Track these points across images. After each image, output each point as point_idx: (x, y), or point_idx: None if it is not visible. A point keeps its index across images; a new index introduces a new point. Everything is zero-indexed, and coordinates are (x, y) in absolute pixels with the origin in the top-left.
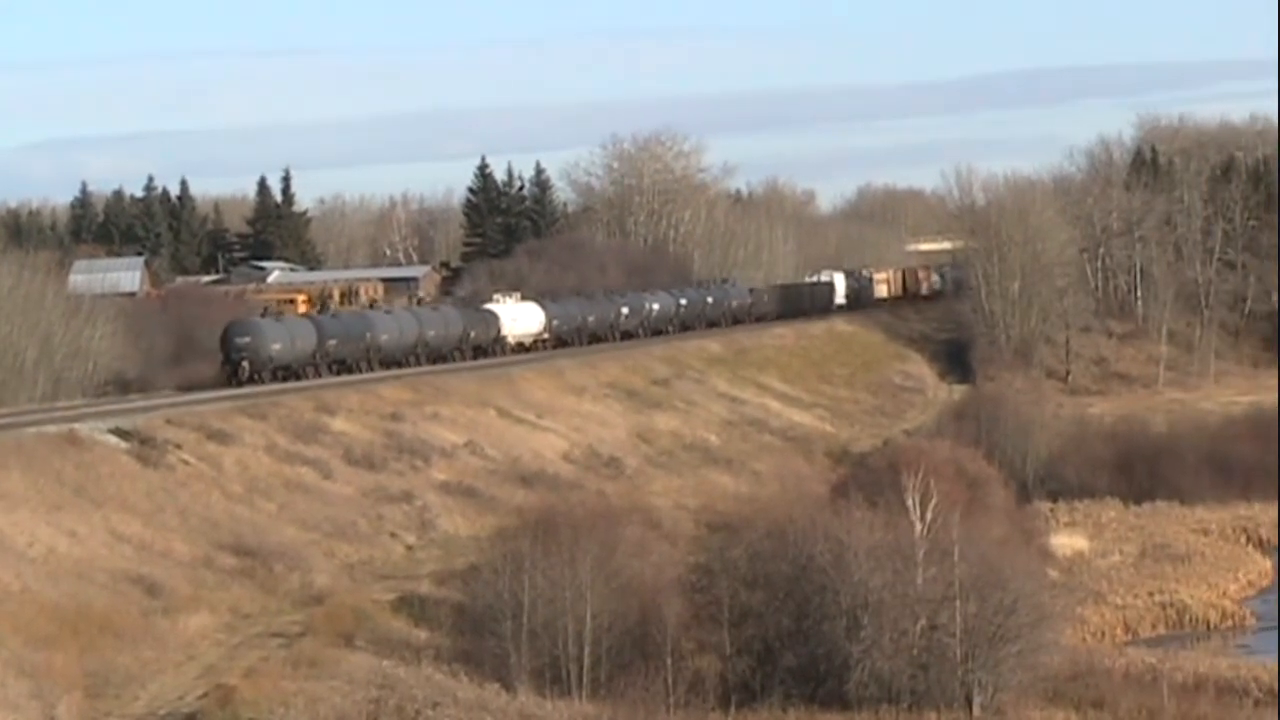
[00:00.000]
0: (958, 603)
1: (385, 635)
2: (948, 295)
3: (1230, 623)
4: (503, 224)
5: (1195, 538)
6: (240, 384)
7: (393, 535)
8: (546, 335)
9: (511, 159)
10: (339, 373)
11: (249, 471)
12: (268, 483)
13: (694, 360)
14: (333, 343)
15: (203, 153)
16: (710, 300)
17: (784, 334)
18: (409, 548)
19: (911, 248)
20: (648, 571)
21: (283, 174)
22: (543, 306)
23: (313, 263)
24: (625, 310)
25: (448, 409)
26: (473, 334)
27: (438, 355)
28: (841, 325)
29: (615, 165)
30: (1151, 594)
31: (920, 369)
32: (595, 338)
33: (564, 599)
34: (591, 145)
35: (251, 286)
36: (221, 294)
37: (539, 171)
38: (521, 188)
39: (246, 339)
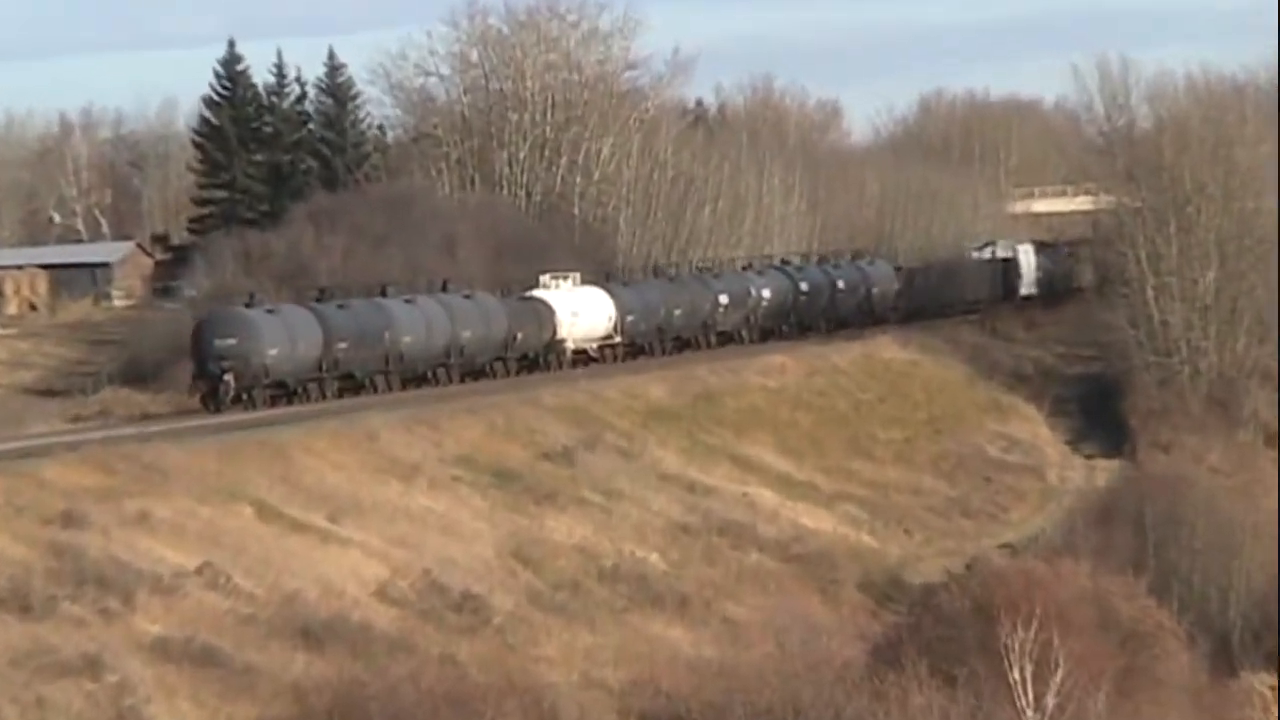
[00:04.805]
0: None
1: None
2: (1086, 297)
3: None
4: (266, 164)
5: None
6: (219, 410)
7: None
8: (617, 338)
9: (282, 45)
10: (343, 392)
11: None
12: None
13: (617, 414)
14: (342, 346)
15: None
16: (842, 285)
17: (783, 364)
18: None
19: (1020, 208)
20: None
21: None
22: (611, 294)
23: None
24: (724, 300)
25: (166, 505)
26: (519, 336)
27: (471, 367)
28: (891, 351)
29: (474, 56)
30: None
31: (1034, 430)
32: (682, 342)
33: None
34: (429, 20)
35: None
36: None
37: (333, 67)
38: (301, 97)
39: (231, 341)
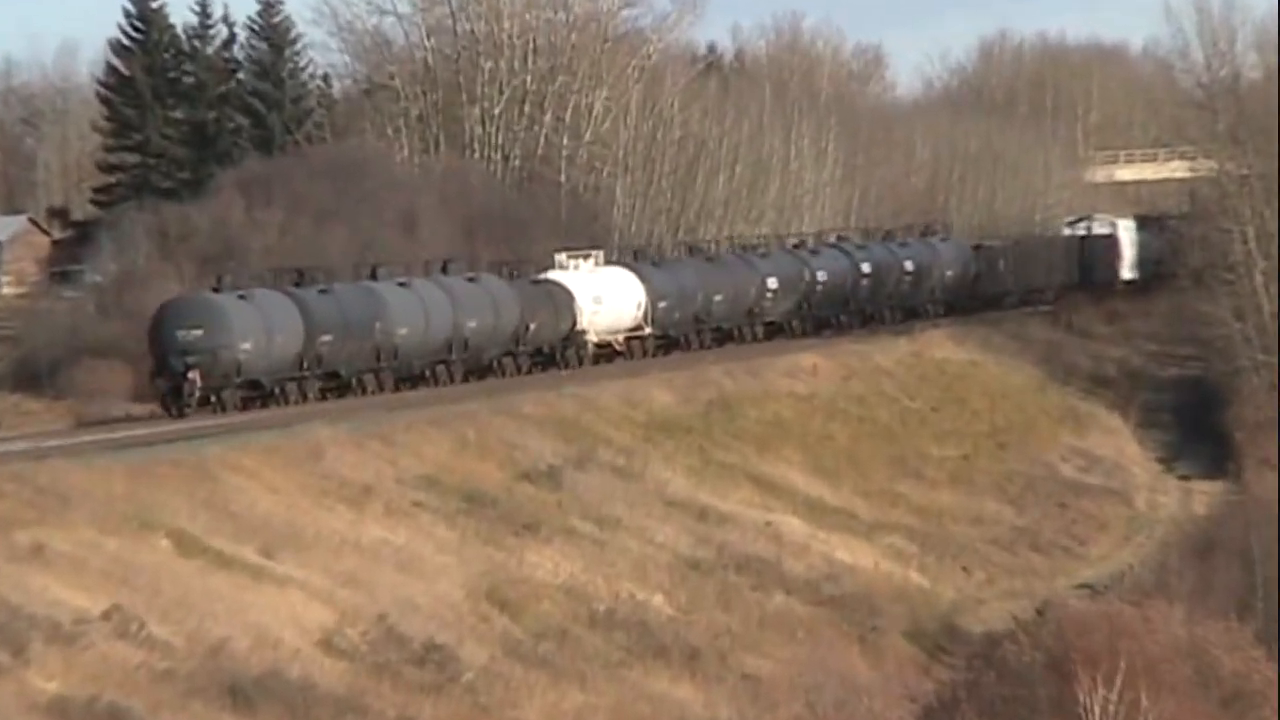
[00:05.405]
0: None
1: None
2: (1181, 284)
3: None
4: (187, 122)
5: None
6: (183, 414)
7: None
8: (646, 328)
9: None
10: (327, 394)
11: None
12: None
13: (613, 425)
14: (326, 340)
15: None
16: (910, 267)
17: (814, 365)
18: None
19: (1101, 175)
20: None
21: None
22: (640, 277)
23: None
24: (773, 284)
25: (65, 536)
26: (532, 326)
27: (476, 363)
28: (945, 349)
29: None
30: None
31: (1118, 445)
32: (723, 333)
33: None
34: None
35: None
36: None
37: (268, 4)
38: (229, 41)
39: (197, 332)
